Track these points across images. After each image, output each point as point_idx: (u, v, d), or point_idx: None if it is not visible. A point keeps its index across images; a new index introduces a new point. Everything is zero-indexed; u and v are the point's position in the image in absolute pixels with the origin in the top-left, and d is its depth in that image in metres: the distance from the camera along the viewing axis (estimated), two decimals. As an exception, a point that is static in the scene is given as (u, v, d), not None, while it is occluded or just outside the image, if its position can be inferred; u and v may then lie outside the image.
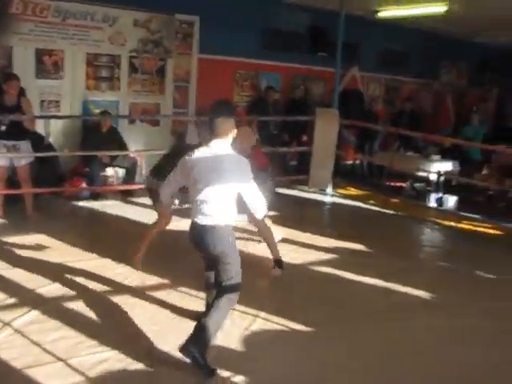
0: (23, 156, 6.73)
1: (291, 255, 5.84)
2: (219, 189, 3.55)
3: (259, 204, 3.76)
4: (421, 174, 9.11)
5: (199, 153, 3.64)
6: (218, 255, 3.62)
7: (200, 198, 3.57)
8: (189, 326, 3.64)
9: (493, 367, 3.78)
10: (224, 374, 3.48)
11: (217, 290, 3.70)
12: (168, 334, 3.95)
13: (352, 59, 10.91)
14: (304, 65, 10.74)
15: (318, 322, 4.29)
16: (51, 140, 7.90)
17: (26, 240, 5.81)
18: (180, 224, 5.19)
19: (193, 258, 4.22)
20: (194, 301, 4.46)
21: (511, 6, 8.31)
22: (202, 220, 3.58)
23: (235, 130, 3.69)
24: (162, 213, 5.11)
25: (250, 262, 4.47)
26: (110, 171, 8.24)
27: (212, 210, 3.56)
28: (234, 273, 3.66)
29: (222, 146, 3.62)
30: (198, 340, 3.47)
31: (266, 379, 3.52)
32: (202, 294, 4.20)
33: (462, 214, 8.19)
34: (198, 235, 3.62)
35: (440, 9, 9.18)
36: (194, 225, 3.65)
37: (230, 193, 3.61)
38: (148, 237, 5.22)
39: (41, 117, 7.67)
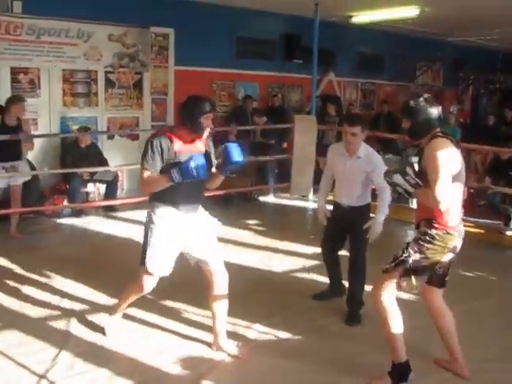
0: (20, 175, 6.75)
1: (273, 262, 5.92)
2: None
3: None
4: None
5: None
6: None
7: None
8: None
9: None
10: None
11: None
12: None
13: (328, 65, 10.98)
14: (280, 72, 10.83)
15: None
16: (29, 158, 7.82)
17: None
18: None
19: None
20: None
21: (480, 5, 8.45)
22: None
23: None
24: None
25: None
26: (90, 187, 8.22)
27: None
28: None
29: None
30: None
31: None
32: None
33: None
34: None
35: (412, 12, 9.24)
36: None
37: None
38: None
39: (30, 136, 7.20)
